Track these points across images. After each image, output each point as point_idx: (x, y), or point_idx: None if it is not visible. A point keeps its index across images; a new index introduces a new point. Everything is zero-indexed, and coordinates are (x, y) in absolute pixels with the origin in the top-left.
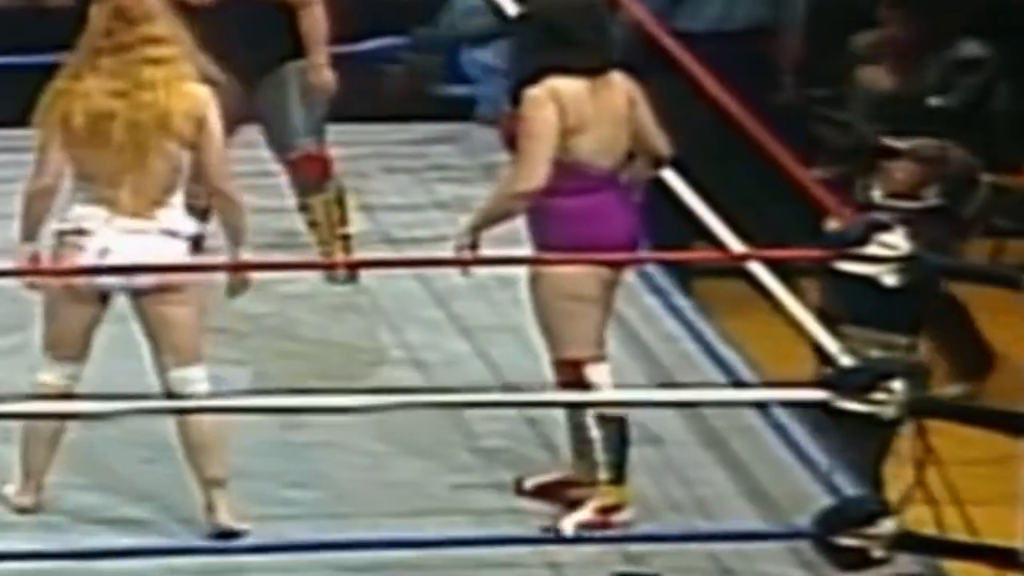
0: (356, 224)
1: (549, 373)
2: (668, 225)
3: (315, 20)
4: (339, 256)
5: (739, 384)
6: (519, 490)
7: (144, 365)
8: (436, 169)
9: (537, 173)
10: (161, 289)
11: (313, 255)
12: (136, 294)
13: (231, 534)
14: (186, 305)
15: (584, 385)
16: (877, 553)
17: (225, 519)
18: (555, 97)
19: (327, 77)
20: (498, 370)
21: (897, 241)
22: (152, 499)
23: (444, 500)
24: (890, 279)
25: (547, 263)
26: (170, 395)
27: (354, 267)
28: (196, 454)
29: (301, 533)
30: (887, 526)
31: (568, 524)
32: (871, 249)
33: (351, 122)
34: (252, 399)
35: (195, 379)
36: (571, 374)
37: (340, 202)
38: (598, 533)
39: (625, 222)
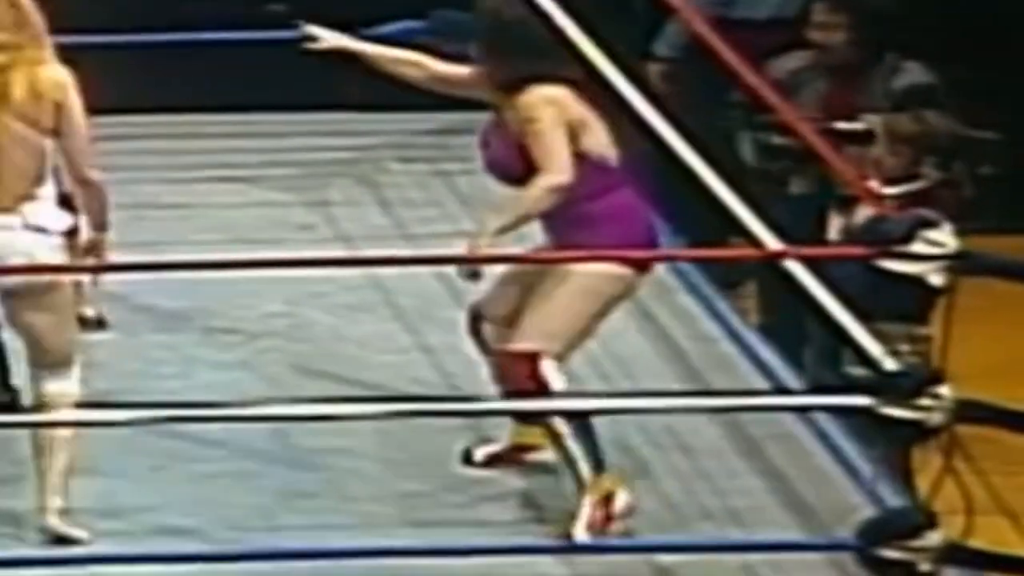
0: (373, 218)
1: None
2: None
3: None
4: None
5: (779, 389)
6: (467, 460)
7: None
8: (457, 160)
9: (565, 164)
10: (30, 291)
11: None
12: (6, 296)
13: (68, 540)
14: (57, 311)
15: (539, 380)
16: (923, 567)
17: (58, 524)
18: (551, 99)
19: None
20: None
21: (944, 238)
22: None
23: (459, 510)
24: (936, 279)
25: (575, 259)
26: (39, 402)
27: (370, 264)
28: (45, 454)
29: (308, 542)
30: (933, 538)
31: (578, 531)
32: (917, 247)
33: (367, 111)
34: (260, 407)
35: (68, 391)
36: (526, 366)
37: None
38: (626, 542)
39: (645, 221)
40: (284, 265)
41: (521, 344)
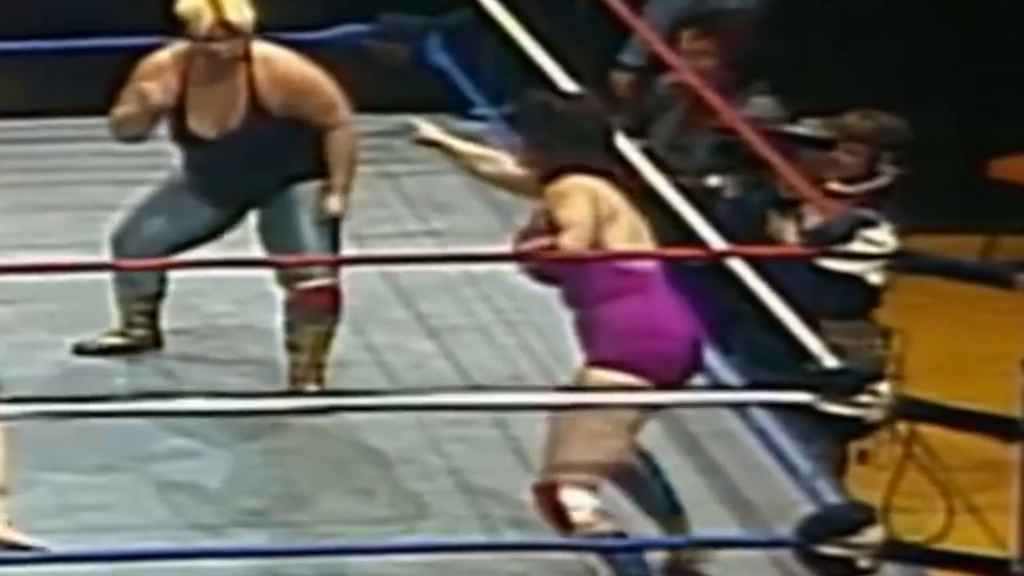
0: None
1: (518, 374)
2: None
3: (343, 142)
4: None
5: (718, 385)
6: None
7: None
8: (403, 162)
9: (587, 225)
10: None
11: None
12: None
13: (19, 547)
14: None
15: (559, 511)
16: (863, 563)
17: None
18: (583, 188)
19: (343, 203)
20: (465, 372)
21: (883, 237)
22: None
23: (409, 506)
24: (876, 277)
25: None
26: None
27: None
28: None
29: (256, 540)
30: (873, 535)
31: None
32: (857, 246)
33: None
34: (209, 401)
35: None
36: (545, 498)
37: (331, 335)
38: (566, 540)
39: (681, 321)
40: (232, 265)
41: (540, 478)
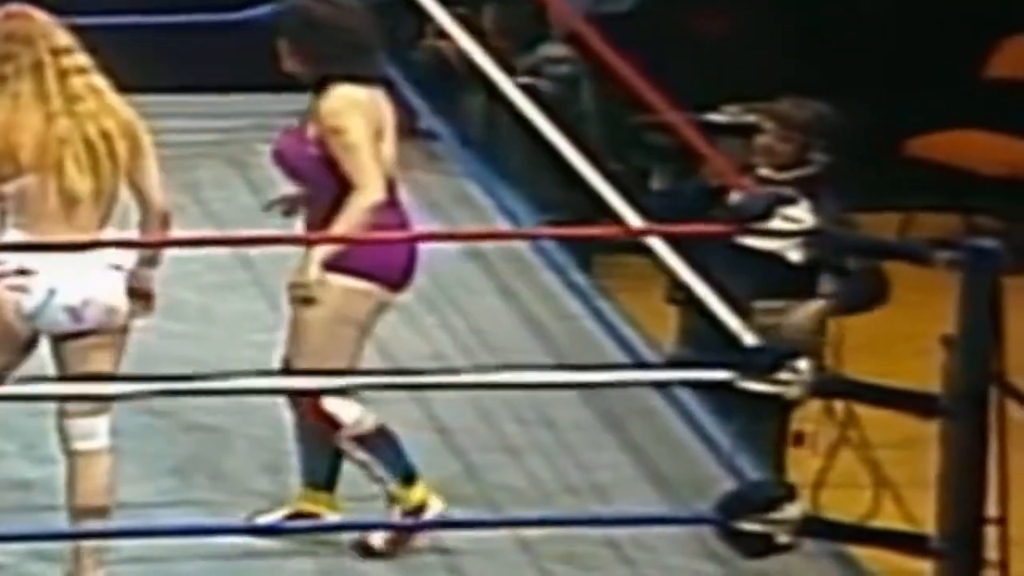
0: (242, 198)
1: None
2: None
3: None
4: None
5: (640, 364)
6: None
7: None
8: None
9: (377, 181)
10: (82, 333)
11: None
12: (58, 338)
13: None
14: (108, 350)
15: (328, 418)
16: (782, 539)
17: None
18: (356, 105)
19: None
20: (385, 350)
21: (802, 214)
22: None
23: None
24: (795, 255)
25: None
26: (64, 441)
27: (239, 244)
28: (81, 516)
29: (176, 519)
30: (792, 511)
31: (377, 539)
32: (775, 223)
33: (232, 92)
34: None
35: (99, 432)
36: (311, 406)
37: None
38: (491, 518)
39: (402, 231)
40: (154, 245)
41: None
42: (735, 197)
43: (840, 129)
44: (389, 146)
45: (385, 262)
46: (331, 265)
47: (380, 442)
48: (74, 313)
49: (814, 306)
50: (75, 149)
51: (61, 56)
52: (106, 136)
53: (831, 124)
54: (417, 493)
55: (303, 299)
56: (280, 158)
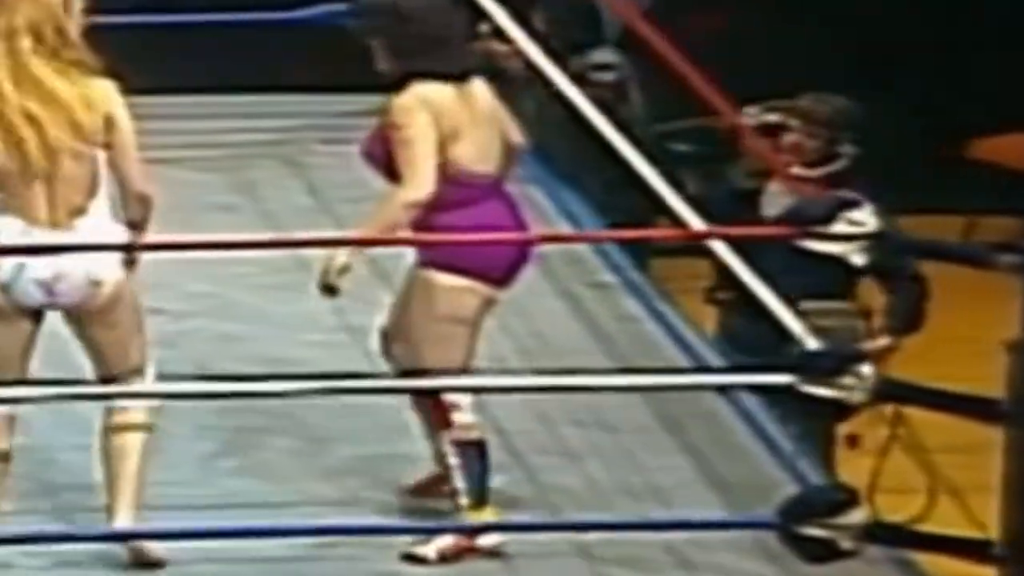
0: (298, 198)
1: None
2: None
3: None
4: None
5: (701, 367)
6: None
7: None
8: None
9: (426, 179)
10: (93, 309)
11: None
12: (69, 313)
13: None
14: (120, 326)
15: (444, 411)
16: (845, 544)
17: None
18: (426, 103)
19: None
20: None
21: (865, 218)
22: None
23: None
24: (858, 258)
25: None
26: (108, 415)
27: (296, 245)
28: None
29: (236, 521)
30: (855, 516)
31: (431, 550)
32: (839, 227)
33: (291, 93)
34: (189, 384)
35: (133, 416)
36: (432, 404)
37: None
38: (549, 521)
39: (507, 229)
40: (209, 247)
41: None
42: (779, 199)
43: (863, 122)
44: (474, 144)
45: (488, 258)
46: (434, 262)
47: (474, 455)
48: (46, 287)
49: (881, 342)
50: (30, 129)
51: (29, 36)
52: (71, 121)
53: (854, 117)
54: (483, 516)
55: (326, 287)
56: (368, 158)
